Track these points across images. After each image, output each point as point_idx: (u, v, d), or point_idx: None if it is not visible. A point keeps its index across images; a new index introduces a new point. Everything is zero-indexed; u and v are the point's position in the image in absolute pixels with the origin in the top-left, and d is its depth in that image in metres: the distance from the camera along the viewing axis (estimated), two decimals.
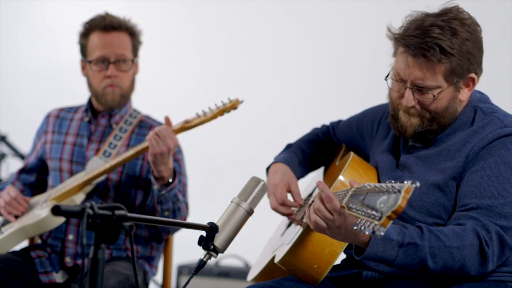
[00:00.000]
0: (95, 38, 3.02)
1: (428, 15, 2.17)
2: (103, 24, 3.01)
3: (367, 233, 1.73)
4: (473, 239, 2.03)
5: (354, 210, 1.82)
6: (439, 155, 2.21)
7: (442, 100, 2.18)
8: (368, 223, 1.73)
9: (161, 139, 2.75)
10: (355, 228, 1.76)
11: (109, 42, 3.01)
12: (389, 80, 2.25)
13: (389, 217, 1.69)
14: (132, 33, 3.06)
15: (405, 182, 1.73)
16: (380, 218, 1.70)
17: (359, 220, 1.77)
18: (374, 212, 1.72)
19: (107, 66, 3.00)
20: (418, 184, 1.72)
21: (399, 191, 1.70)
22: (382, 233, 1.70)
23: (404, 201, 1.69)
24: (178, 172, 2.95)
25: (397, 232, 2.01)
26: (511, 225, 2.08)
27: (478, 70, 2.19)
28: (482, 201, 2.09)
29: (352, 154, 2.43)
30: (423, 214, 2.19)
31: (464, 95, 2.22)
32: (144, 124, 3.11)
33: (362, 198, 1.82)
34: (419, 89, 2.17)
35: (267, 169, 2.65)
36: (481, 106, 2.24)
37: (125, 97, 3.06)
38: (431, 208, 2.19)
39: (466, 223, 2.07)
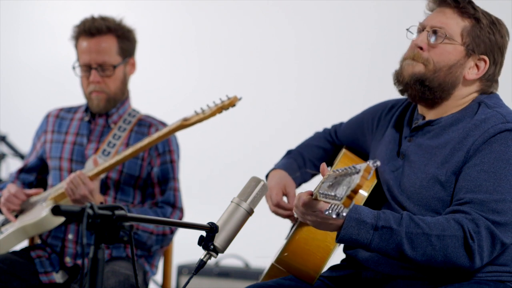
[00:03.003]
0: (81, 43, 3.05)
1: None
2: (84, 29, 3.03)
3: (333, 216, 1.75)
4: (457, 231, 2.02)
5: (322, 196, 1.87)
6: (441, 148, 2.20)
7: (448, 54, 2.22)
8: (335, 207, 1.77)
9: (75, 186, 2.82)
10: (326, 213, 1.79)
11: (91, 49, 3.02)
12: (408, 33, 2.31)
13: (349, 197, 1.73)
14: (118, 35, 3.05)
15: (367, 162, 1.76)
16: (341, 199, 1.74)
17: (329, 205, 1.80)
18: (337, 194, 1.77)
19: (90, 72, 3.02)
20: (378, 163, 1.76)
21: (359, 170, 1.74)
22: (344, 214, 1.73)
23: (362, 180, 1.72)
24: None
25: (373, 215, 2.02)
26: (504, 221, 2.06)
27: (492, 61, 2.24)
28: (476, 196, 2.08)
29: (343, 149, 2.43)
30: (421, 208, 2.19)
31: (470, 74, 2.24)
32: (144, 123, 3.11)
33: (331, 183, 1.86)
34: (435, 31, 2.23)
35: (267, 176, 2.66)
36: (486, 101, 2.25)
37: (113, 101, 3.07)
38: (429, 202, 2.18)
39: (454, 216, 2.06)
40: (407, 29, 2.30)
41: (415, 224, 2.02)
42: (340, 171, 1.83)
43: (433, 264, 2.04)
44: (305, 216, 2.05)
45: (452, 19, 2.23)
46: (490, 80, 2.26)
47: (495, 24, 2.25)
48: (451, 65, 2.22)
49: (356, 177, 1.73)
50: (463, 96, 2.26)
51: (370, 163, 1.75)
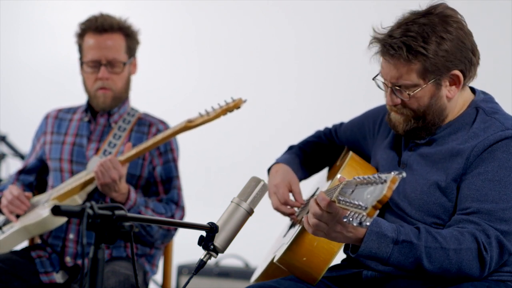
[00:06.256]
0: (88, 40, 3.04)
1: (413, 13, 2.19)
2: (96, 26, 3.02)
3: (355, 224, 1.73)
4: (471, 243, 2.04)
5: (342, 202, 1.83)
6: (441, 155, 2.21)
7: (422, 98, 2.19)
8: (357, 215, 1.74)
9: (106, 170, 2.80)
10: (344, 220, 1.76)
11: (101, 45, 3.01)
12: (378, 81, 2.28)
13: (374, 207, 1.70)
14: (127, 33, 3.06)
15: (392, 172, 1.73)
16: (366, 208, 1.71)
17: (348, 212, 1.78)
18: (361, 203, 1.74)
19: (98, 68, 3.01)
20: (404, 174, 1.73)
21: (385, 181, 1.72)
22: (368, 223, 1.71)
23: (389, 191, 1.70)
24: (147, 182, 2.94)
25: (392, 229, 2.01)
26: (511, 230, 2.08)
27: (463, 66, 2.18)
28: (483, 205, 2.08)
29: (351, 153, 2.43)
30: (423, 213, 2.19)
31: (452, 92, 2.21)
32: (143, 122, 3.12)
33: (351, 191, 1.83)
34: (397, 88, 2.19)
35: (269, 170, 2.65)
36: (483, 106, 2.24)
37: (118, 99, 3.07)
38: (431, 207, 2.18)
39: (465, 227, 2.07)
40: (373, 79, 2.27)
41: (433, 238, 2.03)
42: (362, 179, 1.81)
43: (446, 275, 2.06)
44: (321, 223, 1.97)
45: (401, 68, 2.16)
46: (472, 76, 2.22)
47: (441, 36, 2.13)
48: (428, 104, 2.20)
49: (383, 187, 1.71)
50: (455, 107, 2.25)
51: (395, 173, 1.73)
